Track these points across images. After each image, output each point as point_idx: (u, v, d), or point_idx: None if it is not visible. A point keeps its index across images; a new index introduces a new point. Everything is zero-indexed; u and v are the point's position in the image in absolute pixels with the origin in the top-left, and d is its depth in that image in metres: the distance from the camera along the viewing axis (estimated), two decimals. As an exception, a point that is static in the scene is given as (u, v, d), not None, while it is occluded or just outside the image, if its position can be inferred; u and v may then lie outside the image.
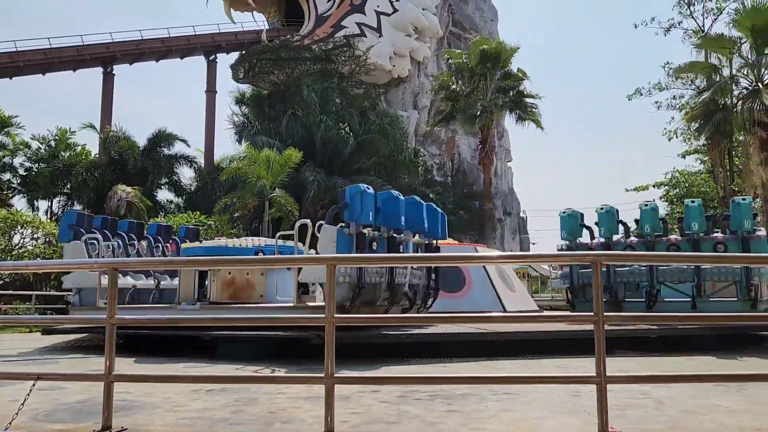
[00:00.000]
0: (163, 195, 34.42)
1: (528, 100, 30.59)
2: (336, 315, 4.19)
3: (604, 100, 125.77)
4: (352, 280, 7.70)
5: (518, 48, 30.45)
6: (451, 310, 10.12)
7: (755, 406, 4.83)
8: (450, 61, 32.69)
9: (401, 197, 8.69)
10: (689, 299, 10.23)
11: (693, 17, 35.61)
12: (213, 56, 38.73)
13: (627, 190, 64.01)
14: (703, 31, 34.16)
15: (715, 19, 35.02)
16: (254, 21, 40.12)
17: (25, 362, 8.36)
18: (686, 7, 35.31)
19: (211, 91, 38.31)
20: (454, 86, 30.92)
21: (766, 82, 23.37)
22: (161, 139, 33.26)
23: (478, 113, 29.13)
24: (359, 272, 7.55)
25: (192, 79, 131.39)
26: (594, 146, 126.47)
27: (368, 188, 8.19)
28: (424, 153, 38.65)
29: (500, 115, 31.11)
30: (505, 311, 11.04)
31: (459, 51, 34.26)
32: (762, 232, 10.53)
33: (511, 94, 30.28)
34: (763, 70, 23.51)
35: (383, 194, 8.55)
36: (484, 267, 11.14)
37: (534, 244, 45.99)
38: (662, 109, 38.42)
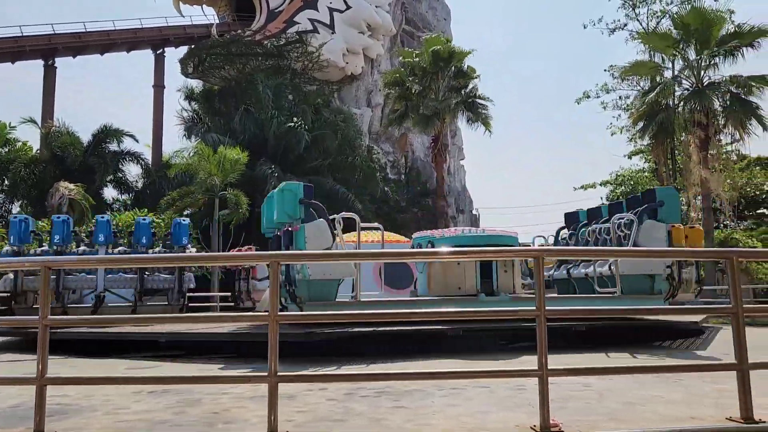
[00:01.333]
0: (110, 193, 33.42)
1: (479, 101, 30.92)
2: (279, 313, 4.14)
3: (556, 100, 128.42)
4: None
5: (471, 52, 30.75)
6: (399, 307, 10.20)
7: (690, 396, 4.98)
8: (402, 59, 32.82)
9: None
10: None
11: (638, 20, 36.76)
12: (161, 50, 37.77)
13: (575, 189, 65.55)
14: (647, 33, 35.25)
15: (659, 22, 36.22)
16: (204, 15, 39.30)
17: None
18: (631, 9, 36.42)
19: (158, 86, 37.38)
20: (407, 84, 31.02)
21: (705, 84, 24.27)
22: (107, 134, 32.23)
23: (431, 114, 29.31)
24: None
25: (139, 74, 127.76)
26: (546, 145, 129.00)
27: None
28: (378, 150, 38.68)
29: (452, 115, 31.38)
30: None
31: (411, 50, 34.39)
32: None
33: (463, 93, 30.55)
34: (702, 71, 24.40)
35: None
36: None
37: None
38: (608, 110, 39.54)
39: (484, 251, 5.74)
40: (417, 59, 30.72)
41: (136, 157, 32.85)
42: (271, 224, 9.35)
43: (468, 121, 30.88)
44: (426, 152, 39.87)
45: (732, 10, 28.58)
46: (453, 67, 30.35)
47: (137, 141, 33.10)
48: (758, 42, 23.36)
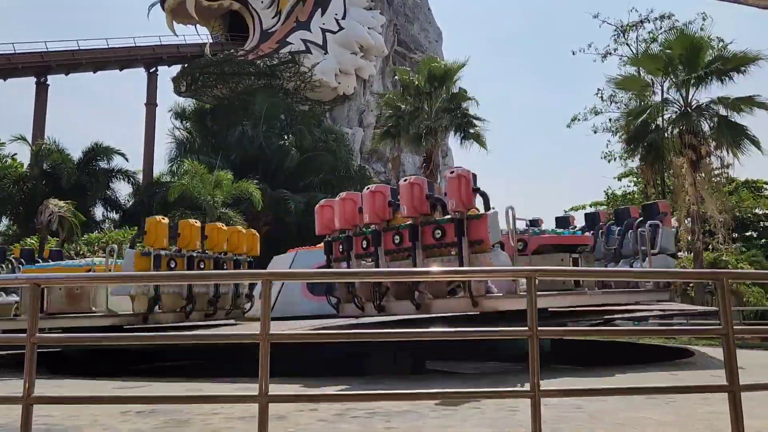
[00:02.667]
0: (100, 210, 33.26)
1: (473, 119, 31.09)
2: (272, 332, 4.10)
3: (547, 122, 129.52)
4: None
5: (465, 63, 30.90)
6: (321, 314, 10.28)
7: (682, 418, 4.97)
8: (396, 77, 33.05)
9: None
10: None
11: (628, 44, 37.30)
12: (154, 69, 37.97)
13: (565, 211, 65.80)
14: (638, 57, 35.74)
15: (648, 47, 36.74)
16: (197, 34, 39.64)
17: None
18: (621, 35, 37.00)
19: (151, 104, 37.50)
20: (399, 104, 31.21)
21: (694, 106, 24.57)
22: (98, 152, 32.19)
23: (423, 133, 29.45)
24: None
25: (132, 92, 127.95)
26: (537, 166, 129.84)
27: None
28: (369, 170, 38.80)
29: (444, 135, 31.56)
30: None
31: (407, 69, 34.66)
32: None
33: (457, 114, 30.72)
34: (690, 95, 24.71)
35: None
36: None
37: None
38: (599, 132, 39.92)
39: (474, 271, 5.74)
40: (412, 78, 30.92)
41: (127, 175, 32.78)
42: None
43: (462, 139, 31.01)
44: (417, 172, 40.02)
45: (721, 38, 29.09)
46: (446, 88, 30.56)
47: (127, 159, 33.10)
48: (745, 67, 23.69)
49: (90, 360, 9.18)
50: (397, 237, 8.81)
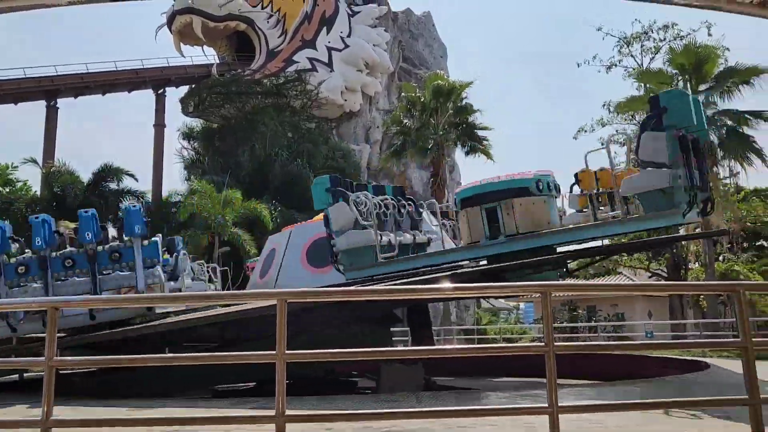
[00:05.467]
0: (111, 232, 33.38)
1: (479, 132, 31.18)
2: (287, 351, 4.11)
3: (550, 134, 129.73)
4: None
5: (472, 83, 31.09)
6: (319, 285, 10.25)
7: (702, 432, 4.92)
8: (403, 94, 33.19)
9: None
10: None
11: (632, 56, 37.33)
12: (162, 90, 38.32)
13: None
14: (642, 71, 35.76)
15: (653, 58, 36.79)
16: (204, 55, 39.98)
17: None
18: (626, 46, 37.02)
19: (159, 125, 37.79)
20: (405, 120, 31.37)
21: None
22: (107, 173, 32.43)
23: (430, 146, 29.57)
24: None
25: (140, 114, 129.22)
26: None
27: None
28: (376, 187, 38.85)
29: (451, 149, 31.63)
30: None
31: (414, 85, 34.85)
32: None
33: (463, 127, 30.83)
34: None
35: None
36: None
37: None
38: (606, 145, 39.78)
39: (490, 287, 5.73)
40: (419, 94, 31.10)
41: (136, 196, 32.99)
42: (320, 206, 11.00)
43: (468, 151, 31.06)
44: (425, 187, 40.06)
45: (727, 48, 29.03)
46: (452, 103, 30.70)
47: (137, 180, 33.31)
48: (754, 79, 23.66)
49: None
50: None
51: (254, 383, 11.31)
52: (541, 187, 9.40)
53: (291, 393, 4.19)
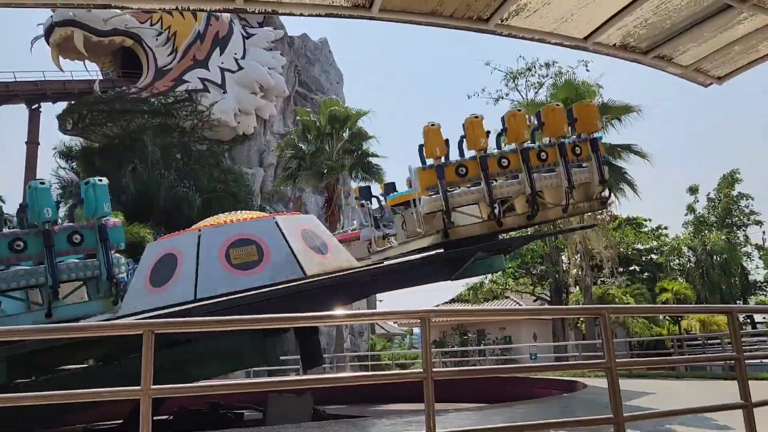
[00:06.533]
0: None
1: (372, 160, 31.52)
2: (153, 387, 3.72)
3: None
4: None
5: (367, 112, 31.46)
6: (247, 289, 9.43)
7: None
8: (298, 118, 33.00)
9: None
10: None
11: (518, 90, 39.38)
12: (36, 105, 35.74)
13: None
14: (527, 103, 37.80)
15: (536, 92, 39.00)
16: (86, 71, 37.73)
17: None
18: (512, 81, 39.05)
19: (32, 142, 35.15)
20: (300, 144, 31.16)
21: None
22: (-31, 194, 29.68)
23: (325, 171, 29.50)
24: None
25: (11, 130, 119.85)
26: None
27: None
28: (271, 210, 38.15)
29: (346, 174, 31.73)
30: (305, 275, 9.94)
31: (308, 110, 34.75)
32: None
33: (356, 154, 31.05)
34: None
35: None
36: (283, 234, 10.19)
37: (381, 301, 46.70)
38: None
39: (375, 314, 5.60)
40: (314, 119, 31.03)
41: (4, 219, 30.33)
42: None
43: (362, 179, 31.26)
44: (320, 212, 39.87)
45: (600, 85, 31.28)
46: (348, 129, 30.88)
47: (4, 202, 30.65)
48: (623, 117, 25.58)
49: None
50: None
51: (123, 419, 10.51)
52: None
53: (169, 429, 3.81)
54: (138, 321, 6.11)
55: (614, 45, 5.96)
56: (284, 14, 5.18)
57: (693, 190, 43.33)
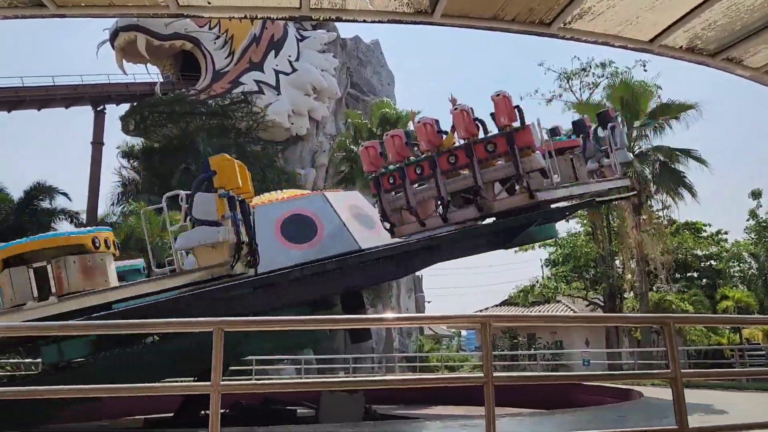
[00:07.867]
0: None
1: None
2: (223, 382, 3.87)
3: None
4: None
5: (418, 113, 31.43)
6: (303, 262, 9.77)
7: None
8: (349, 120, 33.31)
9: None
10: None
11: (572, 90, 38.64)
12: (101, 107, 37.18)
13: (515, 251, 66.70)
14: (581, 103, 37.04)
15: (591, 93, 38.20)
16: (148, 74, 39.06)
17: None
18: (566, 81, 38.34)
19: (97, 142, 36.56)
20: (352, 146, 31.42)
21: (636, 152, 25.53)
22: (39, 192, 31.01)
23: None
24: None
25: (78, 131, 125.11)
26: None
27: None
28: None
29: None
30: (360, 248, 10.28)
31: (358, 112, 35.00)
32: None
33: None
34: (633, 141, 25.69)
35: None
36: (335, 211, 10.72)
37: (429, 302, 46.63)
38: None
39: (431, 318, 5.66)
40: (365, 121, 31.24)
41: (70, 215, 31.67)
42: None
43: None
44: (370, 213, 40.05)
45: (659, 86, 30.44)
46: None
47: (70, 199, 31.99)
48: (682, 115, 24.87)
49: None
50: (452, 158, 10.35)
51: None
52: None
53: (224, 423, 3.97)
54: (208, 319, 6.34)
55: (681, 47, 5.83)
56: (348, 21, 5.28)
57: (756, 195, 41.61)
